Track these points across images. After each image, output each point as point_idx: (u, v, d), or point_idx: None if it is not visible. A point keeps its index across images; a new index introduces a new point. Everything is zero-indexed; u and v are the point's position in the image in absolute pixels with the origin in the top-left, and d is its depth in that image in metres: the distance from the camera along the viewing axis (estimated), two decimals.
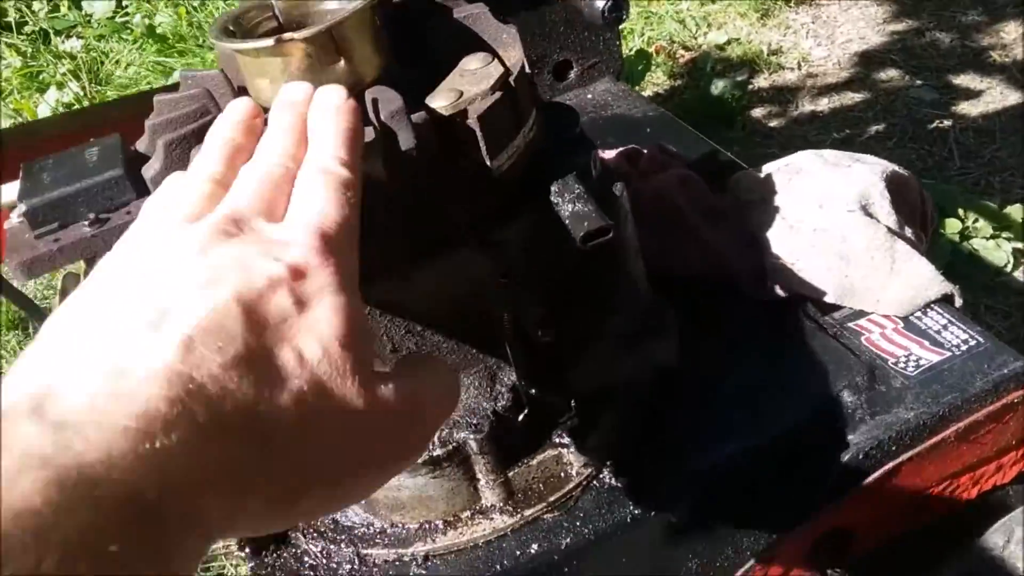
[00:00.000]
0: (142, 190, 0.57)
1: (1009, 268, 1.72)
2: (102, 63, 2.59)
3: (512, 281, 0.62)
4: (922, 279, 0.79)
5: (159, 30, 2.62)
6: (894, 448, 0.71)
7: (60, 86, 2.46)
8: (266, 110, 0.67)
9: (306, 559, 0.67)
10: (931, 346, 0.76)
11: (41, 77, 2.55)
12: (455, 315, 0.63)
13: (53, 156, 0.57)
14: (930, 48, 2.38)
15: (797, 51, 2.46)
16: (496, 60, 0.64)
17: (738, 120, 2.21)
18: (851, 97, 2.27)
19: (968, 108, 2.17)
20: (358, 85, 0.62)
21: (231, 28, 0.61)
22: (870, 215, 0.80)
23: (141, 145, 0.60)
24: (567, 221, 0.63)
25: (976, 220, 1.78)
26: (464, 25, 0.67)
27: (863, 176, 0.83)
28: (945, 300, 0.80)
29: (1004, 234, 1.76)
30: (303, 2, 0.63)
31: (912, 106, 2.20)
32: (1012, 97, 2.17)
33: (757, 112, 2.26)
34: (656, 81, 2.39)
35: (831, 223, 0.80)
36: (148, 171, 0.58)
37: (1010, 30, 2.38)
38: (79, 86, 2.46)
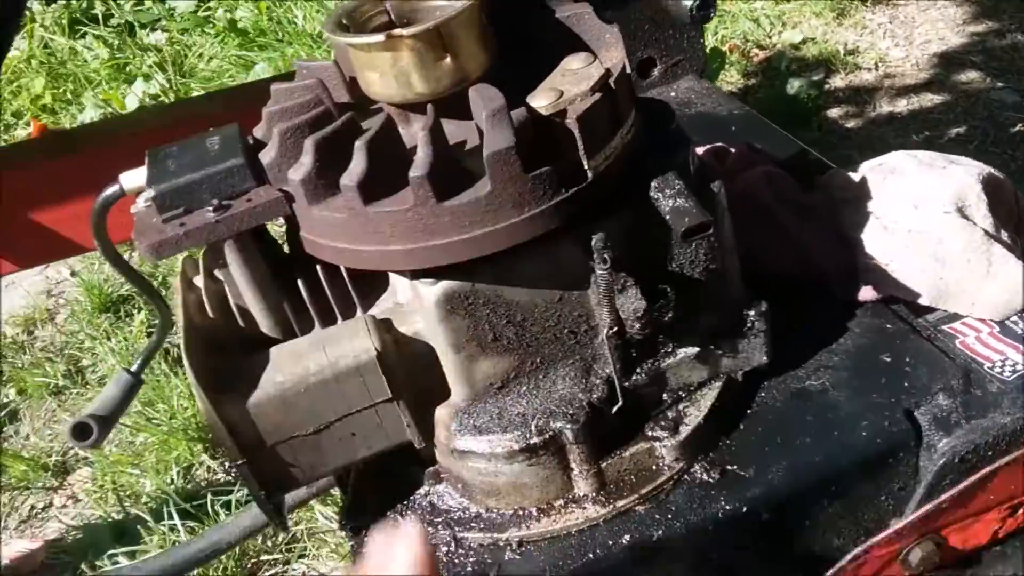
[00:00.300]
0: (261, 178, 0.59)
1: None
2: (185, 56, 2.65)
3: (611, 275, 0.63)
4: (1019, 283, 0.78)
5: (240, 24, 2.68)
6: (990, 453, 0.70)
7: (147, 78, 2.53)
8: (373, 103, 0.69)
9: None
10: None
11: (128, 69, 2.62)
12: (554, 307, 0.64)
13: (176, 144, 0.60)
14: (1011, 50, 2.33)
15: (874, 51, 2.42)
16: (597, 60, 0.64)
17: (814, 120, 2.18)
18: (930, 99, 2.22)
19: None
20: (464, 81, 0.64)
21: (344, 22, 0.63)
22: (966, 217, 0.79)
23: (259, 132, 0.63)
24: (668, 216, 0.64)
25: None
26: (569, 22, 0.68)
27: (959, 177, 0.82)
28: None
29: None
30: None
31: (993, 109, 2.15)
32: None
33: (833, 112, 2.23)
34: (730, 80, 2.37)
35: (927, 224, 0.79)
36: (265, 157, 0.60)
37: None
38: (164, 78, 2.53)
